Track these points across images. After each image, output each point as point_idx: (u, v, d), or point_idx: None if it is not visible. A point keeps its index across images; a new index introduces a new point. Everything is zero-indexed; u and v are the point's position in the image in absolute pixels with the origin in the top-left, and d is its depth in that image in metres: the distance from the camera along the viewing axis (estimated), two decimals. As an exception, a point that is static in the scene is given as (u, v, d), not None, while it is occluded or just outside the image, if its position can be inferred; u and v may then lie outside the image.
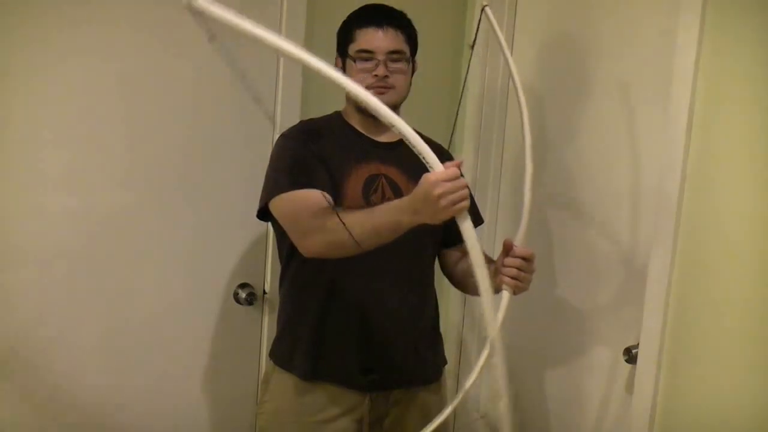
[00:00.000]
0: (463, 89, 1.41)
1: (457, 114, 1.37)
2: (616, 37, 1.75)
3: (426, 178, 1.17)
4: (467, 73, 1.39)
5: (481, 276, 1.15)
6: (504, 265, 1.39)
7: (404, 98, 1.53)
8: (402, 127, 1.11)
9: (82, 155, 1.62)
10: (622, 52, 1.74)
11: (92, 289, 1.66)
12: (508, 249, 1.41)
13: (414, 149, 1.13)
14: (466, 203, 1.17)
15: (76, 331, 1.66)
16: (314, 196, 1.37)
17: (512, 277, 1.38)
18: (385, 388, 1.53)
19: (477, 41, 1.47)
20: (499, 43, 1.44)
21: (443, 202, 1.15)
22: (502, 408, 1.24)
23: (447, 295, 2.18)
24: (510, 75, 1.44)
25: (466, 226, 1.18)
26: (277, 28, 1.83)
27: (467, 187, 1.18)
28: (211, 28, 0.97)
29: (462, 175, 1.18)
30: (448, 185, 1.15)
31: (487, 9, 1.39)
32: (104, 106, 1.63)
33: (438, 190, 1.15)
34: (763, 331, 1.34)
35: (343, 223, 1.27)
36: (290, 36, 1.82)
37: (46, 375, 1.63)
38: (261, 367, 1.92)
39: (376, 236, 1.29)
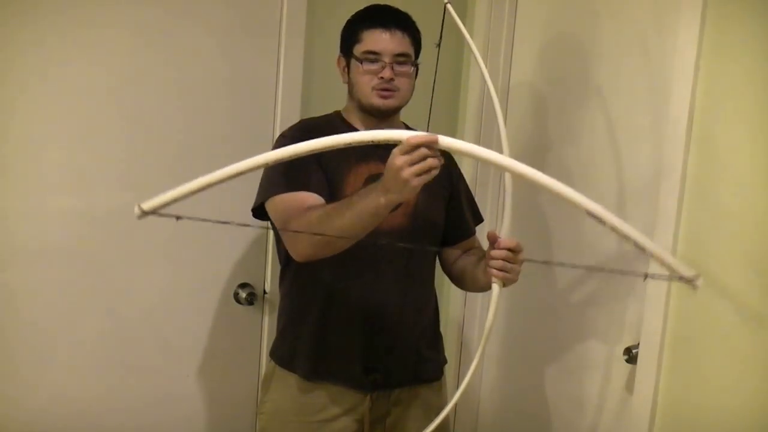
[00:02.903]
0: (433, 89, 1.40)
1: (429, 114, 1.36)
2: (616, 36, 1.75)
3: (392, 153, 1.14)
4: (436, 73, 1.37)
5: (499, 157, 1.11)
6: (490, 257, 1.37)
7: (407, 101, 1.52)
8: (366, 135, 1.08)
9: (82, 155, 1.62)
10: (622, 51, 1.74)
11: (92, 288, 1.67)
12: (493, 241, 1.39)
13: (386, 141, 1.11)
14: (431, 174, 1.11)
15: (75, 330, 1.66)
16: (304, 200, 1.36)
17: (499, 269, 1.36)
18: (387, 387, 1.53)
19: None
20: (464, 38, 1.40)
21: (405, 173, 1.11)
22: None
23: (447, 293, 2.18)
24: (481, 70, 1.42)
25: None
26: (276, 28, 1.84)
27: (437, 156, 1.10)
28: (171, 212, 1.05)
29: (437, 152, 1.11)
30: (406, 157, 1.10)
31: (449, 6, 1.36)
32: (104, 106, 1.63)
33: (398, 162, 1.11)
34: (763, 331, 1.34)
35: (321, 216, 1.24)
36: (290, 36, 1.83)
37: (45, 375, 1.63)
38: (261, 367, 1.92)
39: (360, 223, 1.25)
